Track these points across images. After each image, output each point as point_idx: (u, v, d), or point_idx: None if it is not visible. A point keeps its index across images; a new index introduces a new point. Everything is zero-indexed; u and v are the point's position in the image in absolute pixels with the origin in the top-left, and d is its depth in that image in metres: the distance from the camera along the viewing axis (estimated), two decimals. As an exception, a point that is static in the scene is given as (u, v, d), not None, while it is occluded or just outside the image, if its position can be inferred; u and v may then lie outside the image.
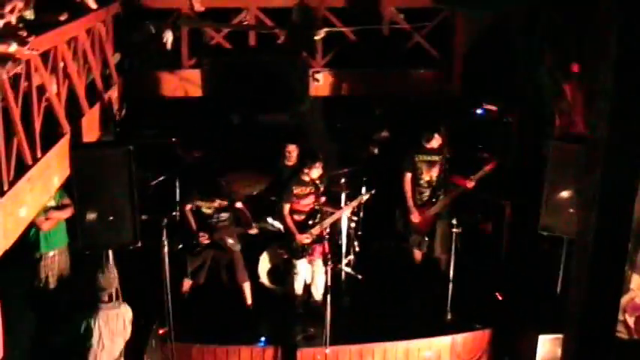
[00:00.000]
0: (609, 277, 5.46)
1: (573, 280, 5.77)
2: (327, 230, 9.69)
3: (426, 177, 10.22)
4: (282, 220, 9.73)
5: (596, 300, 5.48)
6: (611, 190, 5.21)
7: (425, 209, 10.25)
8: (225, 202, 9.57)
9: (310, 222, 9.63)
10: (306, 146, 10.41)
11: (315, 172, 9.51)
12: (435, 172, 10.20)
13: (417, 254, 10.59)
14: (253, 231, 9.50)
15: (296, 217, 9.70)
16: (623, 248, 5.58)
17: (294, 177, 9.71)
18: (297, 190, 9.62)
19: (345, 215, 10.11)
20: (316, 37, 11.11)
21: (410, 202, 10.28)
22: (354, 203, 10.09)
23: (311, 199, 9.64)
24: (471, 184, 9.99)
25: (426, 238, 10.40)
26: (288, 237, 9.72)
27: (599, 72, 5.23)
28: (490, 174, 9.95)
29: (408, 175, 10.26)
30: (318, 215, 9.59)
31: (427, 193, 10.27)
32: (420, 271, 10.60)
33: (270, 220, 9.65)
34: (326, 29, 11.11)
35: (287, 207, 9.65)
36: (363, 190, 10.31)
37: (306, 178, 9.56)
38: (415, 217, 10.25)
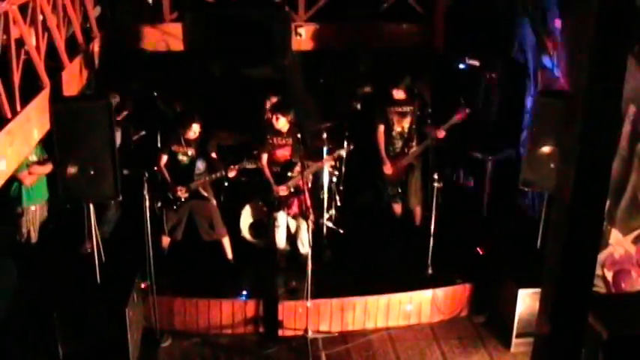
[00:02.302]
0: (587, 231, 5.48)
1: (551, 235, 5.79)
2: (309, 185, 9.68)
3: (397, 128, 10.25)
4: (262, 171, 9.76)
5: (574, 254, 5.51)
6: (590, 144, 5.21)
7: (397, 160, 10.29)
8: (199, 151, 9.56)
9: (289, 174, 9.61)
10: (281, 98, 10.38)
11: (281, 121, 9.50)
12: (406, 123, 10.23)
13: (397, 208, 10.68)
14: (231, 173, 9.43)
15: (274, 168, 9.71)
16: (601, 203, 5.59)
17: (269, 126, 9.70)
18: (272, 140, 9.62)
19: (325, 169, 10.09)
20: None
21: (382, 154, 10.35)
22: (330, 159, 10.03)
23: (287, 150, 9.63)
24: (441, 134, 9.98)
25: (399, 190, 10.45)
26: (266, 188, 9.74)
27: (579, 25, 5.23)
28: (463, 123, 9.92)
29: (381, 127, 10.30)
30: (296, 169, 9.55)
31: (399, 144, 10.31)
32: (401, 225, 10.65)
33: (245, 160, 9.62)
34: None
35: (265, 157, 9.67)
36: (345, 145, 10.30)
37: (277, 127, 9.55)
38: (387, 169, 10.33)
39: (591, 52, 5.06)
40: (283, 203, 9.67)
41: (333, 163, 10.23)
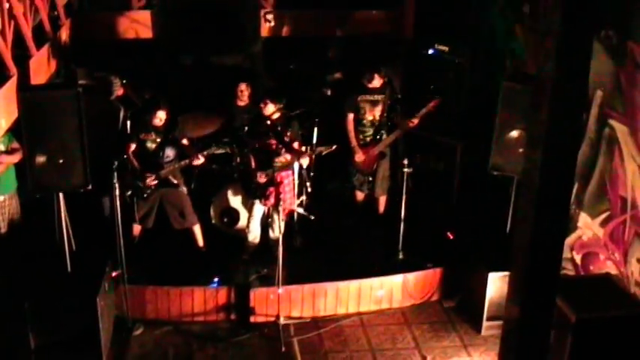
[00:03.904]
0: (555, 214, 5.55)
1: (519, 218, 5.85)
2: (290, 178, 9.58)
3: (368, 117, 10.24)
4: (246, 156, 9.74)
5: (542, 238, 5.57)
6: (557, 129, 5.27)
7: (368, 149, 10.30)
8: (167, 138, 9.52)
9: (274, 163, 9.49)
10: (265, 85, 10.36)
11: (269, 107, 9.45)
12: (378, 112, 10.21)
13: (359, 195, 10.71)
14: (199, 160, 9.42)
15: (259, 155, 9.61)
16: (568, 186, 5.66)
17: (257, 113, 9.67)
18: (258, 128, 9.57)
19: (303, 161, 9.94)
20: None
21: (353, 142, 10.32)
22: (310, 154, 9.83)
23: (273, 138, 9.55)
24: (414, 122, 10.00)
25: (370, 179, 10.48)
26: (249, 174, 9.68)
27: (547, 11, 5.27)
28: (434, 111, 9.94)
29: (351, 116, 10.28)
30: (280, 158, 9.48)
31: (370, 132, 10.31)
32: (370, 211, 10.68)
33: (214, 146, 9.59)
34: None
35: (251, 142, 9.63)
36: (315, 137, 10.25)
37: (265, 114, 9.49)
38: (359, 157, 10.31)
39: (558, 37, 5.11)
40: (261, 191, 9.57)
41: (309, 161, 9.95)
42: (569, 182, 5.64)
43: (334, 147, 9.77)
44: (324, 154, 9.83)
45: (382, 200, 10.61)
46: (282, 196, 9.23)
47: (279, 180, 9.32)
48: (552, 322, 6.04)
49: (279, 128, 9.46)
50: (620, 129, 8.07)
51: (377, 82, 10.12)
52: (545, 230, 5.53)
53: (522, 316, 5.85)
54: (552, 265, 5.77)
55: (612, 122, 8.18)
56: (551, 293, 5.90)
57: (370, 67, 10.18)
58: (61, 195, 8.21)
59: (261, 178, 9.47)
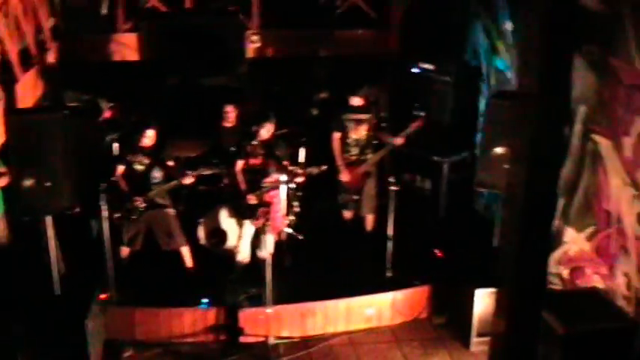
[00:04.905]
0: (539, 229, 5.58)
1: (504, 234, 5.89)
2: (279, 197, 9.62)
3: (353, 135, 10.26)
4: (235, 177, 9.75)
5: (526, 252, 5.60)
6: (540, 144, 5.32)
7: (354, 167, 10.32)
8: (155, 159, 9.56)
9: (263, 183, 9.56)
10: (257, 106, 10.38)
11: (264, 131, 9.51)
12: (362, 131, 10.24)
13: (347, 214, 10.69)
14: (189, 180, 9.47)
15: (248, 176, 9.67)
16: (552, 201, 5.71)
17: (247, 135, 9.71)
18: (249, 148, 9.60)
19: (297, 180, 10.00)
20: None
21: (339, 161, 10.33)
22: (303, 174, 9.88)
23: (262, 159, 9.61)
24: (399, 141, 10.06)
25: (355, 197, 10.49)
26: (238, 195, 9.73)
27: (528, 26, 5.33)
28: (420, 130, 9.99)
29: (337, 135, 10.30)
30: (269, 179, 9.52)
31: (355, 151, 10.31)
32: (358, 230, 10.70)
33: (202, 167, 9.61)
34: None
35: (240, 163, 9.65)
36: (302, 157, 10.29)
37: (258, 137, 9.54)
38: (344, 176, 10.31)
39: (539, 53, 5.16)
40: (252, 212, 9.62)
41: (302, 179, 9.96)
42: (552, 197, 5.68)
43: (324, 167, 9.82)
44: (314, 174, 9.86)
45: (370, 219, 10.62)
46: (271, 215, 9.26)
47: (268, 200, 9.36)
48: (539, 336, 6.06)
49: (275, 145, 9.53)
50: (604, 144, 8.13)
51: (359, 100, 10.16)
52: (530, 245, 5.56)
53: (509, 330, 5.87)
54: (538, 280, 5.80)
55: (596, 137, 8.24)
56: (538, 307, 5.93)
57: (353, 86, 10.23)
58: (49, 218, 8.22)
59: (252, 200, 9.50)
